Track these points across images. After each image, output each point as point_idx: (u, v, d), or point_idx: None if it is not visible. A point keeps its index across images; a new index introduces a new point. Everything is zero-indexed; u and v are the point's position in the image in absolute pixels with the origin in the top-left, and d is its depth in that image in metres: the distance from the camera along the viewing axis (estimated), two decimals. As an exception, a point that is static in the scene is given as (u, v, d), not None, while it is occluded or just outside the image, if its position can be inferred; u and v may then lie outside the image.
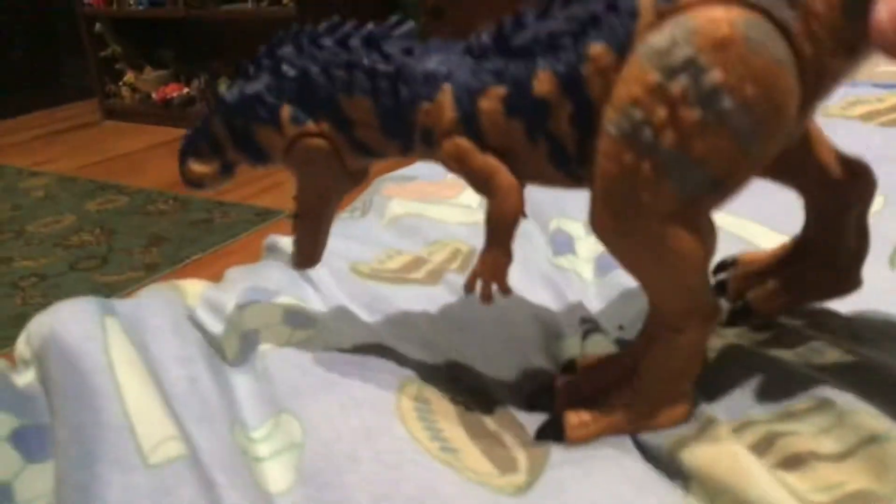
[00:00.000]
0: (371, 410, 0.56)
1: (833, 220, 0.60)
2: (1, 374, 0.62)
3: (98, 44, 3.22)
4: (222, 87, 3.01)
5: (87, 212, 2.31)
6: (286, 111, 0.57)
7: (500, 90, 0.52)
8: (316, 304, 0.74)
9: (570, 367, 0.63)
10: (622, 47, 0.47)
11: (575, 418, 0.56)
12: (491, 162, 0.53)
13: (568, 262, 0.81)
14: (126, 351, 0.59)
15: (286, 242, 0.85)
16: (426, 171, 1.06)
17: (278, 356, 0.64)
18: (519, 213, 0.55)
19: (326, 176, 0.60)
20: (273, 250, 0.87)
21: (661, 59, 0.45)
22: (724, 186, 0.48)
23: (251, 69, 0.59)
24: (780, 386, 0.57)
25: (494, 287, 0.57)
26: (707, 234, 0.50)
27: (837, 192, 0.59)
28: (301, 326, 0.68)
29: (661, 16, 0.46)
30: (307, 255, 0.65)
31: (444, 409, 0.57)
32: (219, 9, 2.78)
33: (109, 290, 1.75)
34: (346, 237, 0.88)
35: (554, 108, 0.50)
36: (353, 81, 0.55)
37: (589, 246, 0.84)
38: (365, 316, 0.72)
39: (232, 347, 0.67)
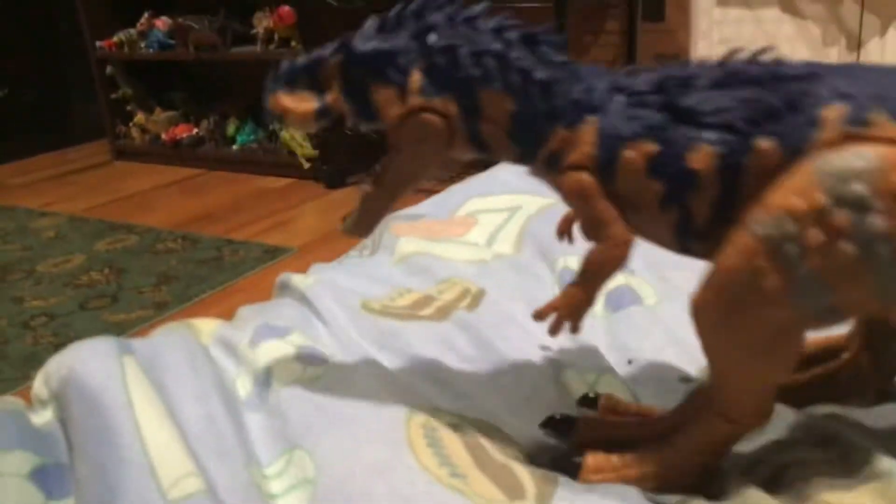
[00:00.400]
0: (382, 444, 0.57)
1: (880, 342, 0.61)
2: (19, 413, 0.63)
3: (109, 86, 3.28)
4: (231, 128, 3.06)
5: (96, 251, 2.33)
6: (417, 79, 0.54)
7: (651, 147, 0.50)
8: (327, 341, 0.75)
9: (588, 401, 0.64)
10: (793, 152, 0.46)
11: (592, 461, 0.56)
12: (611, 210, 0.52)
13: (575, 298, 0.82)
14: (144, 389, 0.61)
15: (298, 280, 0.86)
16: (434, 210, 1.08)
17: (291, 393, 0.65)
18: (621, 266, 0.54)
19: (429, 157, 0.57)
20: (285, 288, 0.88)
21: (835, 184, 0.43)
22: (838, 316, 0.47)
23: (390, 23, 0.55)
24: (786, 427, 0.58)
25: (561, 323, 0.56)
26: (798, 349, 0.49)
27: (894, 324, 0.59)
28: (313, 363, 0.69)
29: (847, 137, 0.44)
30: (367, 224, 0.61)
31: (451, 437, 0.58)
32: (228, 51, 2.83)
33: (119, 329, 1.76)
34: (357, 275, 0.90)
35: (701, 185, 0.49)
36: (502, 76, 0.53)
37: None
38: (375, 352, 0.73)
39: (245, 385, 0.68)
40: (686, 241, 0.52)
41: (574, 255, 0.90)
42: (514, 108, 0.53)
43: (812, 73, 0.47)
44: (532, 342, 0.74)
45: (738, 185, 0.48)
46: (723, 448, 0.54)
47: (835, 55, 1.89)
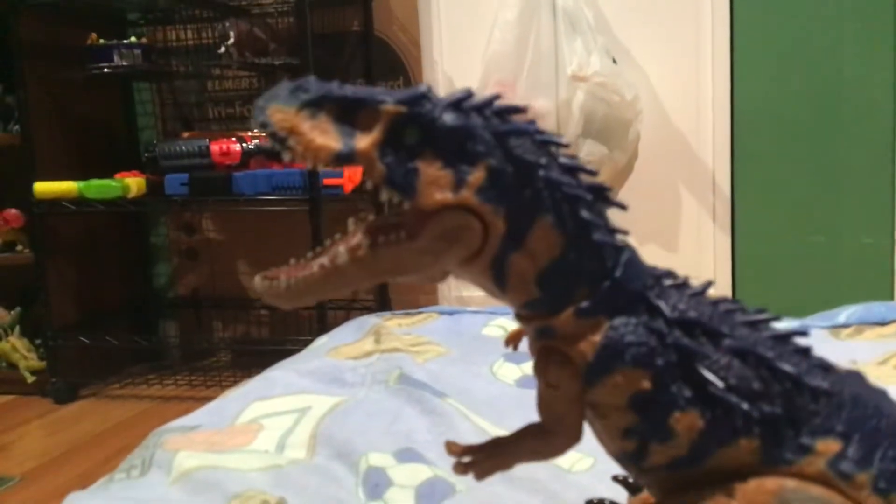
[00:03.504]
0: None
1: None
2: None
3: None
4: None
5: None
6: (479, 176, 0.45)
7: (644, 384, 0.47)
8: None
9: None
10: (770, 462, 0.47)
11: None
12: (577, 410, 0.49)
13: (384, 507, 0.77)
14: None
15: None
16: (210, 419, 0.98)
17: None
18: (556, 457, 0.52)
19: (442, 258, 0.46)
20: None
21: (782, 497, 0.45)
22: None
23: (460, 105, 0.46)
24: None
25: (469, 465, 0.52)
26: None
27: None
28: None
29: (824, 481, 0.46)
30: (303, 291, 0.46)
31: None
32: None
33: None
34: (128, 502, 0.77)
35: (672, 443, 0.48)
36: (568, 215, 0.46)
37: (407, 474, 0.81)
38: None
39: None
40: (629, 466, 0.52)
41: (376, 450, 0.86)
42: (559, 253, 0.47)
43: (833, 394, 0.48)
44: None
45: (701, 460, 0.48)
46: None
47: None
